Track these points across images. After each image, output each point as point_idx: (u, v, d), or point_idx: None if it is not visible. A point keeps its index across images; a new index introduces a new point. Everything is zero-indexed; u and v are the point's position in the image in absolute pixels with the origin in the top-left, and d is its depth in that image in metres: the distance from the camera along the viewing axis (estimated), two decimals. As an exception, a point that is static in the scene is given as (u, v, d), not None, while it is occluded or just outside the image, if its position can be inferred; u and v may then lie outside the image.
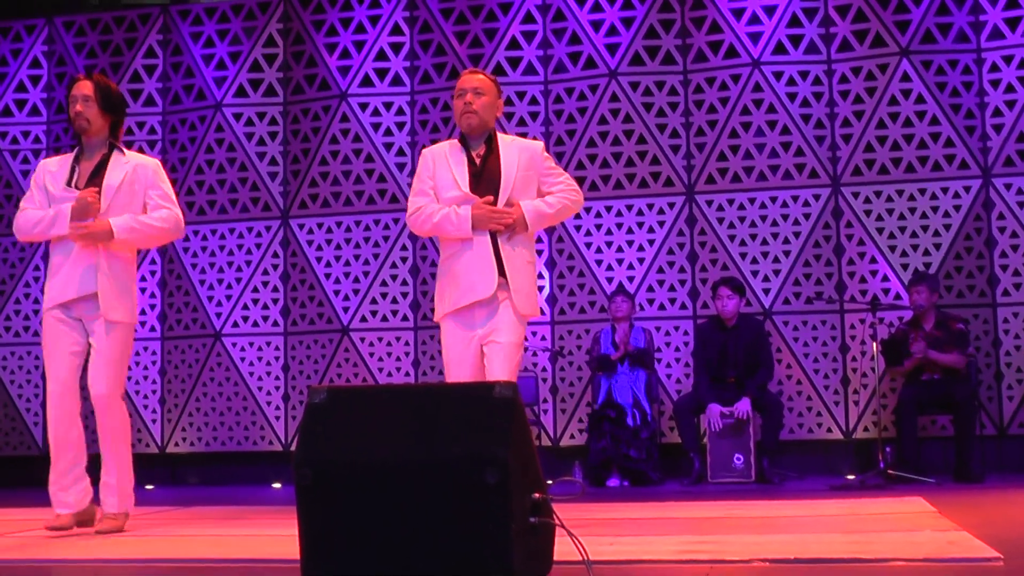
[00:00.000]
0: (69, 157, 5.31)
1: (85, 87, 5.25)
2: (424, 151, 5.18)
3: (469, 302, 4.90)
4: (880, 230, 8.79)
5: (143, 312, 9.86)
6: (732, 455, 8.07)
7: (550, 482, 3.40)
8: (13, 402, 10.10)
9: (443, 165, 5.04)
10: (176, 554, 4.36)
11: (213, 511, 6.49)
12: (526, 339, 9.14)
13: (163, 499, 7.82)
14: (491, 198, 4.91)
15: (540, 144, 5.25)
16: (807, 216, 8.92)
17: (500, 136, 5.13)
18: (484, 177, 4.98)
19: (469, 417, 3.10)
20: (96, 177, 5.20)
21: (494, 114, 5.10)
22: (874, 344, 7.92)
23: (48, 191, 5.22)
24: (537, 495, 3.13)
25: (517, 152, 5.06)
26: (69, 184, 5.18)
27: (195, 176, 9.95)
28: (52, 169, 5.29)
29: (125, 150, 5.34)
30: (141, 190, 5.25)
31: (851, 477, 7.95)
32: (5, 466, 10.05)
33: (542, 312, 9.18)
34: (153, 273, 9.95)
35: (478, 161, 5.02)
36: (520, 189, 5.00)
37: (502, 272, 4.90)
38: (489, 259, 4.90)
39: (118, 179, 5.21)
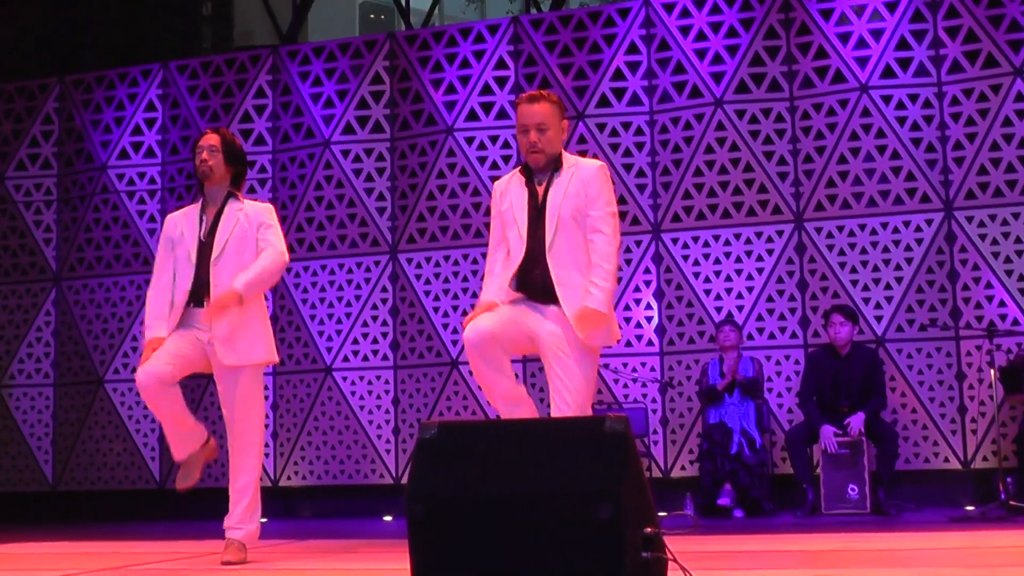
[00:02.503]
0: (194, 208, 5.50)
1: (213, 139, 5.46)
2: (495, 185, 5.08)
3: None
4: (995, 254, 8.59)
5: (256, 347, 9.98)
6: (847, 486, 7.93)
7: (663, 514, 3.38)
8: (132, 437, 10.32)
9: (507, 203, 4.92)
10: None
11: (326, 544, 6.55)
12: (601, 368, 9.11)
13: (278, 532, 7.91)
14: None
15: (597, 165, 4.91)
16: (919, 241, 8.76)
17: (566, 159, 4.89)
18: (543, 213, 4.81)
19: (580, 451, 3.09)
20: (214, 229, 5.39)
21: (561, 140, 4.88)
22: (992, 371, 7.73)
23: (174, 242, 5.44)
24: (649, 529, 3.11)
25: (569, 181, 4.81)
26: (199, 235, 5.39)
27: (305, 213, 10.10)
28: (178, 221, 5.50)
29: (242, 198, 5.51)
30: (252, 233, 5.41)
31: (971, 508, 7.75)
32: (124, 500, 10.26)
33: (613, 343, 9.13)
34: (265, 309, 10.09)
35: (540, 196, 4.85)
36: (568, 219, 4.76)
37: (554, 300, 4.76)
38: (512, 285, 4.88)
39: (230, 227, 5.39)
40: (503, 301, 4.85)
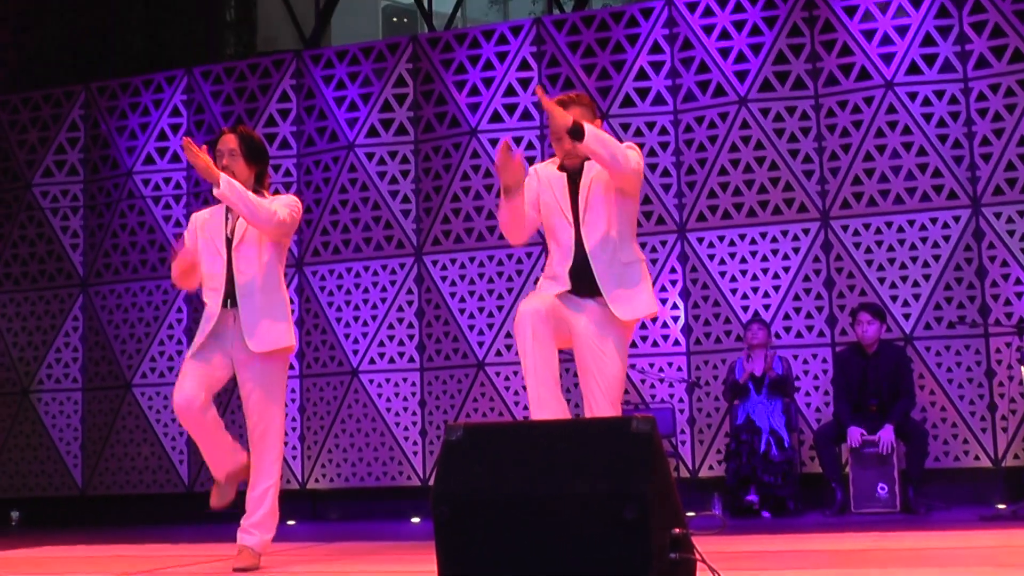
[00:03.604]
0: (219, 209, 5.42)
1: (231, 141, 5.36)
2: (532, 169, 5.05)
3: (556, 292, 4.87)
4: (1024, 251, 8.54)
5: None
6: (876, 485, 7.88)
7: (691, 514, 3.36)
8: (160, 441, 10.36)
9: (547, 190, 4.92)
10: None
11: (354, 547, 6.55)
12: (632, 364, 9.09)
13: (305, 535, 7.93)
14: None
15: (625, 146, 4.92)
16: (947, 238, 8.71)
17: None
18: (578, 196, 4.85)
19: (607, 452, 3.07)
20: (238, 228, 5.34)
21: None
22: (1022, 368, 7.67)
23: (200, 239, 5.39)
24: (677, 530, 3.09)
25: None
26: (226, 233, 5.34)
27: (329, 216, 10.12)
28: (205, 218, 5.45)
29: (267, 194, 5.43)
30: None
31: (1002, 507, 7.69)
32: (152, 503, 10.30)
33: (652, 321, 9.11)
34: (292, 312, 10.11)
35: (574, 175, 4.88)
36: (601, 194, 4.82)
37: (598, 292, 4.78)
38: (565, 276, 4.85)
39: (245, 226, 5.32)
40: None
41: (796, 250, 9.01)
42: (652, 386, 9.23)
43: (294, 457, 9.99)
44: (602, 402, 4.68)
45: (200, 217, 5.50)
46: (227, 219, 5.38)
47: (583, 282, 4.80)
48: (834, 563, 4.63)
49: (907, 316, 8.73)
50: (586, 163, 4.86)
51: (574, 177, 4.90)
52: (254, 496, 5.27)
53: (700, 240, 9.20)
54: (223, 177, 5.14)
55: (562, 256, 4.86)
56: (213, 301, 5.29)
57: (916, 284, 8.74)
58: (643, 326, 9.03)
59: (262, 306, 5.27)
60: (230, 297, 5.27)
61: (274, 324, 5.30)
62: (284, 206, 5.31)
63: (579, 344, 4.78)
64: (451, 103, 9.93)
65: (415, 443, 9.74)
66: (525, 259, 9.54)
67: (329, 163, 10.19)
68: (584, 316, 4.77)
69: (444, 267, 9.80)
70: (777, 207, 9.07)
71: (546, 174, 4.97)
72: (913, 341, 8.67)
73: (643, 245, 9.03)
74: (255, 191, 5.37)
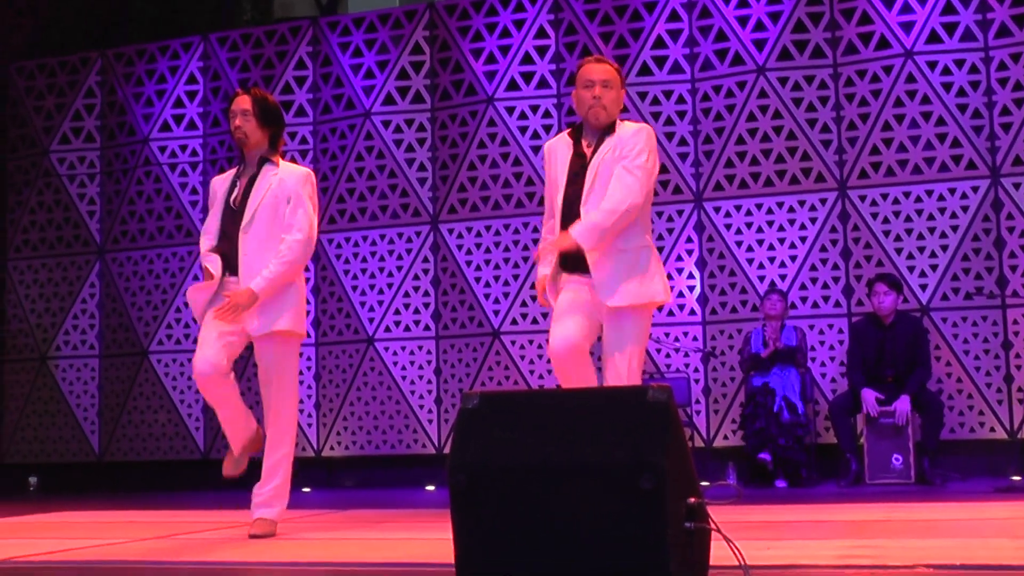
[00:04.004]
0: (230, 172, 5.41)
1: (244, 102, 5.29)
2: (545, 147, 5.06)
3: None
4: (1043, 222, 8.49)
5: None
6: (891, 455, 7.87)
7: (705, 484, 3.37)
8: (176, 408, 10.41)
9: (554, 166, 4.93)
10: (332, 558, 4.42)
11: (368, 514, 6.58)
12: (657, 339, 9.08)
13: (319, 502, 7.96)
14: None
15: (639, 125, 4.90)
16: (965, 209, 8.66)
17: (619, 125, 4.87)
18: (583, 173, 4.80)
19: (623, 422, 3.07)
20: (247, 195, 5.24)
21: (619, 108, 4.90)
22: (1039, 340, 7.65)
23: (216, 206, 5.35)
24: (692, 500, 3.09)
25: (616, 143, 4.79)
26: (229, 200, 5.27)
27: (346, 184, 10.12)
28: (218, 186, 5.40)
29: (279, 161, 5.33)
30: (281, 203, 5.22)
31: (1017, 479, 7.69)
32: (168, 469, 10.36)
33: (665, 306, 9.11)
34: (307, 280, 10.14)
35: (587, 156, 4.83)
36: (601, 187, 4.75)
37: (584, 268, 4.74)
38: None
39: (261, 195, 5.21)
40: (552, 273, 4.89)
41: (813, 220, 8.97)
42: (668, 355, 9.23)
43: (309, 425, 10.02)
44: (622, 376, 4.69)
45: (215, 185, 5.44)
46: (234, 187, 5.30)
47: (573, 258, 4.79)
48: (848, 533, 4.64)
49: (924, 287, 8.69)
50: (605, 140, 4.83)
51: (587, 143, 4.88)
52: (269, 465, 5.28)
53: (717, 210, 9.17)
54: (253, 289, 5.09)
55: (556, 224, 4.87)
56: (217, 266, 5.22)
57: (933, 255, 8.70)
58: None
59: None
60: (231, 268, 5.22)
61: (281, 307, 5.19)
62: (304, 218, 5.20)
63: (606, 325, 4.80)
64: (468, 71, 9.90)
65: (430, 411, 9.76)
66: (540, 228, 9.50)
67: (345, 131, 10.18)
68: (600, 302, 4.75)
69: (460, 235, 9.79)
70: (794, 177, 9.03)
71: (560, 154, 4.94)
72: (930, 312, 8.64)
73: (659, 214, 9.04)
74: (268, 155, 5.31)
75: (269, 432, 5.28)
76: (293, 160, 10.12)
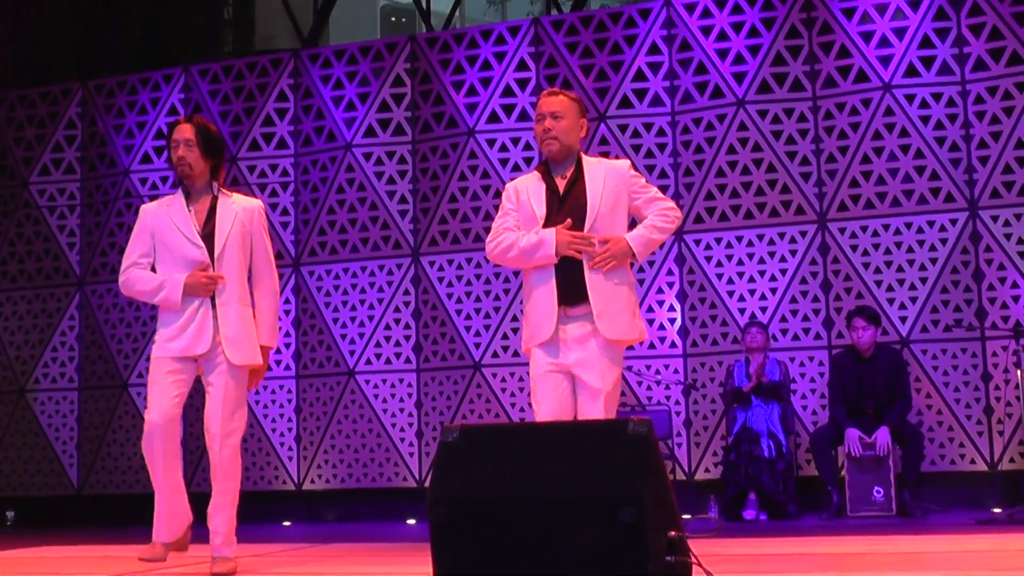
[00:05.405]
0: (174, 200, 5.20)
1: (187, 131, 5.18)
2: (507, 184, 5.05)
3: (538, 343, 4.72)
4: (1022, 254, 8.52)
5: (278, 351, 10.02)
6: (872, 488, 7.87)
7: (687, 517, 3.36)
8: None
9: (524, 196, 4.89)
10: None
11: (349, 548, 6.54)
12: (636, 371, 9.09)
13: (300, 536, 7.92)
14: (570, 222, 4.72)
15: (626, 163, 4.96)
16: (944, 241, 8.70)
17: (586, 159, 4.90)
18: (568, 203, 4.78)
19: (603, 454, 3.07)
20: (209, 224, 5.13)
21: (577, 136, 4.89)
22: (1018, 372, 7.67)
23: (155, 237, 5.16)
24: (673, 533, 3.09)
25: (603, 174, 4.83)
26: (185, 231, 5.11)
27: (327, 216, 10.11)
28: (157, 215, 5.19)
29: (229, 193, 5.27)
30: (248, 234, 5.19)
31: (998, 511, 7.69)
32: (148, 503, 10.24)
33: (644, 340, 9.12)
34: (288, 312, 10.12)
35: (562, 187, 4.83)
36: (607, 212, 4.77)
37: (586, 297, 4.68)
38: (552, 297, 4.72)
39: (228, 225, 5.14)
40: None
41: (793, 252, 9.00)
42: (648, 388, 9.23)
43: (290, 458, 9.97)
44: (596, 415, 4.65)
45: (149, 212, 5.24)
46: (190, 213, 5.15)
47: (571, 286, 4.73)
48: (830, 566, 4.63)
49: (904, 319, 8.72)
50: (582, 172, 4.85)
51: (559, 175, 4.88)
52: (223, 505, 5.16)
53: (697, 242, 9.19)
54: (267, 351, 5.20)
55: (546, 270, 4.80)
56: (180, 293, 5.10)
57: (913, 287, 8.74)
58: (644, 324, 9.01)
59: (244, 318, 5.15)
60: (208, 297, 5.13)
61: (252, 338, 5.18)
62: (267, 260, 5.27)
63: (579, 380, 4.74)
64: (449, 103, 9.92)
65: (411, 444, 9.73)
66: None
67: (326, 163, 10.18)
68: (575, 353, 4.69)
69: (441, 268, 9.79)
70: (774, 209, 9.07)
71: (532, 188, 4.91)
72: (910, 344, 8.67)
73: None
74: (209, 185, 5.20)
75: (220, 468, 5.12)
76: (274, 192, 10.15)
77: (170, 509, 5.24)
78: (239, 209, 5.21)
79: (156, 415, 5.05)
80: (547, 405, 4.66)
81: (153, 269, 5.18)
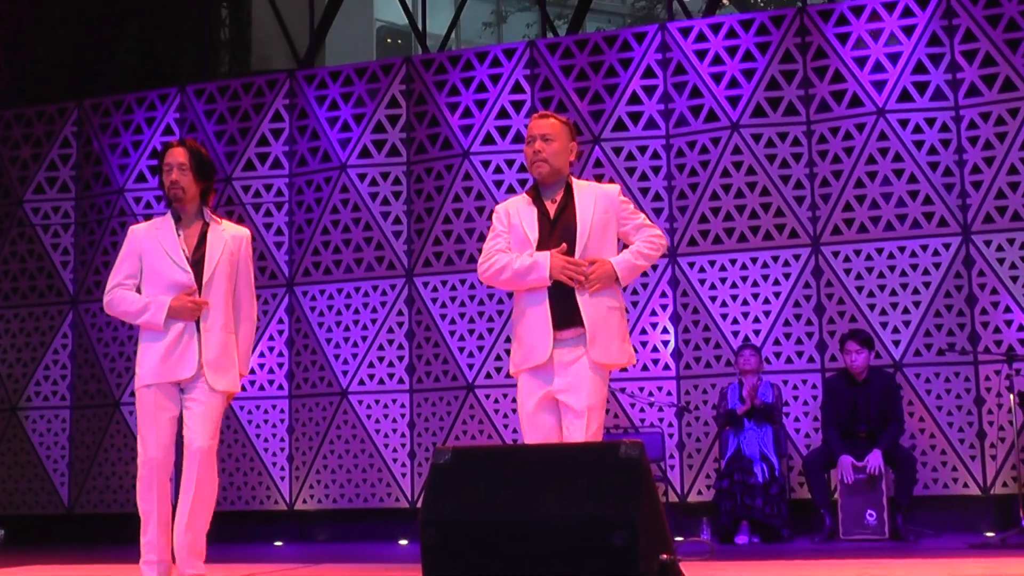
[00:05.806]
0: (164, 223, 5.23)
1: (180, 154, 5.17)
2: (497, 206, 5.05)
3: (530, 366, 4.72)
4: (1014, 278, 8.55)
5: (271, 371, 10.03)
6: (864, 511, 7.87)
7: (679, 538, 3.35)
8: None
9: (516, 219, 4.89)
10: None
11: (341, 569, 6.53)
12: (627, 393, 9.09)
13: (292, 556, 7.89)
14: (565, 246, 4.73)
15: (616, 187, 4.98)
16: (937, 266, 8.72)
17: (576, 182, 4.93)
18: (559, 227, 4.80)
19: (595, 477, 3.07)
20: (199, 250, 5.17)
21: (567, 159, 4.90)
22: (1012, 396, 7.68)
23: (143, 259, 5.19)
24: (665, 556, 3.09)
25: (593, 198, 4.85)
26: (173, 255, 5.14)
27: (321, 236, 10.12)
28: (147, 237, 5.22)
29: (219, 220, 5.30)
30: (235, 263, 5.25)
31: (991, 535, 7.69)
32: (138, 522, 10.22)
33: (634, 363, 9.12)
34: (281, 332, 10.12)
35: (553, 210, 4.85)
36: (597, 236, 4.79)
37: (579, 321, 4.69)
38: (545, 320, 4.72)
39: (217, 253, 5.19)
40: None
41: (787, 276, 9.02)
42: (642, 410, 9.22)
43: (282, 478, 9.95)
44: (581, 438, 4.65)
45: (139, 234, 5.25)
46: (179, 238, 5.18)
47: (564, 308, 4.75)
48: (822, 590, 4.62)
49: (897, 343, 8.73)
50: (572, 195, 4.88)
51: (549, 199, 4.90)
52: (200, 521, 5.17)
53: (691, 265, 9.20)
54: (239, 380, 5.25)
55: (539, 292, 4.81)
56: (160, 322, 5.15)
57: (906, 311, 8.75)
58: (633, 349, 9.02)
59: (227, 345, 5.19)
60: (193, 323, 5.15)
61: (234, 365, 5.24)
62: (249, 291, 5.35)
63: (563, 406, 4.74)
64: (444, 125, 9.94)
65: (404, 465, 9.71)
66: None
67: (321, 183, 10.19)
68: (559, 379, 4.69)
69: (435, 289, 9.79)
70: (768, 232, 9.09)
71: (523, 211, 4.92)
72: (903, 368, 8.68)
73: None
74: (200, 210, 5.24)
75: (197, 491, 5.12)
76: (268, 212, 10.15)
77: (161, 557, 5.27)
78: (228, 237, 5.26)
79: (155, 451, 5.12)
80: (535, 432, 4.65)
81: (138, 290, 5.20)
